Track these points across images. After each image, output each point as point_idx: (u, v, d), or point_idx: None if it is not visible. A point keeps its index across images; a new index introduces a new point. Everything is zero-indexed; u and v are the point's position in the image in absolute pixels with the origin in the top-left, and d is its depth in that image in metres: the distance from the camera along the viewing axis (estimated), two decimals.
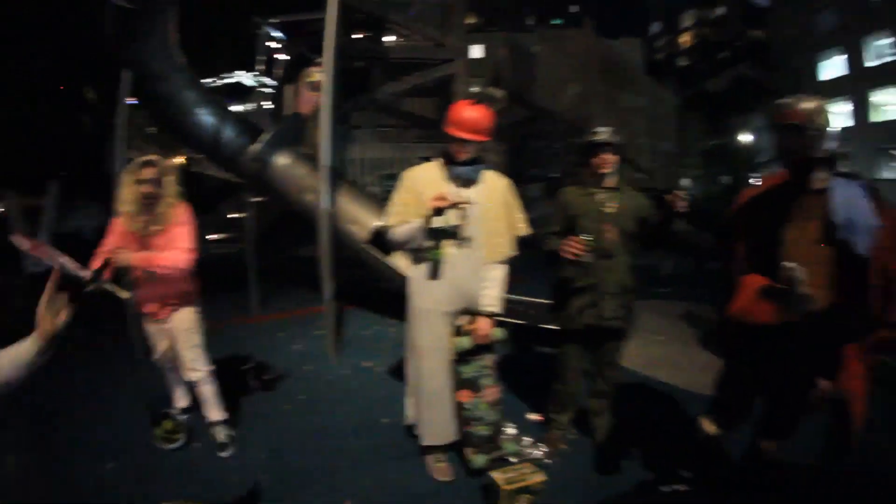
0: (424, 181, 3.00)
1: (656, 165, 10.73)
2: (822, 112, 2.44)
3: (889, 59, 24.33)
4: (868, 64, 25.32)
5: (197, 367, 3.56)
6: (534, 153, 13.53)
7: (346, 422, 4.00)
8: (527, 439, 3.48)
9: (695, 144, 27.10)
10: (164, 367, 3.69)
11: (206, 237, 16.62)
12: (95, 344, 5.88)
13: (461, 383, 3.11)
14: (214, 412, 3.65)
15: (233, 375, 4.41)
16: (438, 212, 2.81)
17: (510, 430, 3.56)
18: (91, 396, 4.58)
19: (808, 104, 2.45)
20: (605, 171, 3.15)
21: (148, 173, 3.24)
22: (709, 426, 2.89)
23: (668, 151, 10.84)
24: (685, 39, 56.67)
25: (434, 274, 2.97)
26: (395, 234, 2.99)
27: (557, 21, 58.18)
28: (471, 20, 51.62)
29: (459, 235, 2.95)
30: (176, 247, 3.29)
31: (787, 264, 2.34)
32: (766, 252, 2.55)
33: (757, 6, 46.87)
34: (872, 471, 3.46)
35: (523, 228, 3.20)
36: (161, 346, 3.58)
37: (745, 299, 2.58)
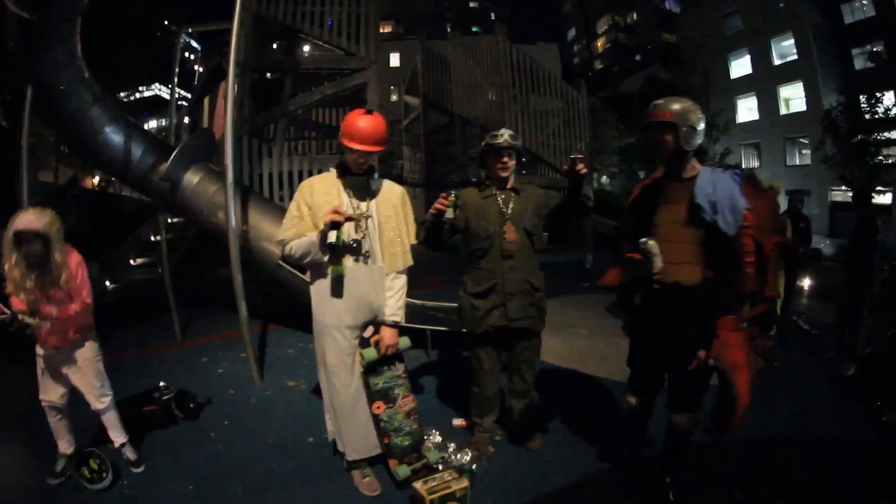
0: (320, 193, 2.92)
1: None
2: (693, 111, 2.70)
3: (791, 58, 26.46)
4: (775, 62, 27.42)
5: (105, 392, 3.39)
6: (451, 158, 13.63)
7: (272, 444, 3.85)
8: (451, 445, 3.42)
9: (612, 142, 28.08)
10: (53, 412, 3.36)
11: (129, 261, 15.96)
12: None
13: (374, 395, 3.05)
14: (120, 435, 3.49)
15: (156, 405, 4.20)
16: (334, 226, 2.72)
17: (435, 437, 3.50)
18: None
19: (679, 104, 2.70)
20: (505, 174, 3.20)
21: (30, 246, 2.91)
22: (630, 398, 3.07)
23: (582, 150, 11.09)
24: (601, 44, 58.77)
25: (335, 289, 2.89)
26: (291, 248, 2.88)
27: (476, 29, 59.05)
28: (389, 29, 51.82)
29: (358, 249, 2.89)
30: (76, 297, 3.08)
31: (644, 239, 2.71)
32: (642, 234, 2.82)
33: (668, 12, 49.40)
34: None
35: (413, 239, 3.18)
36: (55, 388, 3.30)
37: (609, 273, 3.01)
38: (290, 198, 7.62)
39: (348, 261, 2.88)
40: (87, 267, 3.22)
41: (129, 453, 3.52)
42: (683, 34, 33.50)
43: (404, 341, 3.12)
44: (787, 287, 6.19)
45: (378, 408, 3.05)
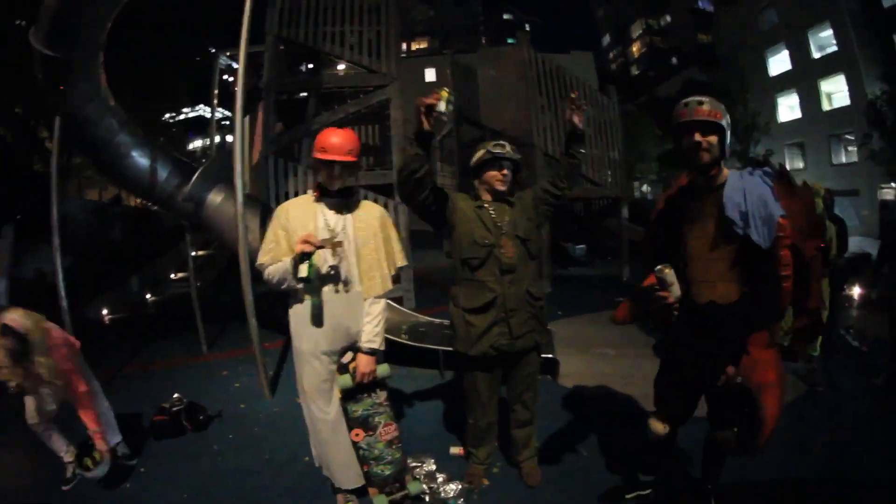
0: (296, 216, 2.81)
1: (607, 174, 10.76)
2: (726, 111, 2.46)
3: (831, 49, 25.01)
4: (814, 55, 26.04)
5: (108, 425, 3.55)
6: None
7: (270, 460, 3.83)
8: (441, 476, 3.27)
9: (651, 150, 27.55)
10: (40, 428, 3.40)
11: (170, 276, 16.41)
12: None
13: (352, 422, 2.92)
14: (116, 435, 3.67)
15: (165, 416, 4.31)
16: (304, 257, 2.59)
17: (428, 465, 3.36)
18: None
19: (716, 104, 2.44)
20: (503, 187, 3.03)
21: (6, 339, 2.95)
22: (657, 425, 2.79)
23: (615, 159, 10.87)
24: (636, 49, 58.12)
25: (311, 316, 2.77)
26: (268, 273, 2.77)
27: (511, 41, 59.19)
28: (424, 45, 52.26)
29: (335, 276, 2.77)
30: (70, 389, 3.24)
31: (659, 266, 2.46)
32: (671, 251, 2.61)
33: (702, 11, 48.53)
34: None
35: (401, 259, 3.03)
36: (44, 413, 3.35)
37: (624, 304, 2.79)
38: None
39: (325, 288, 2.77)
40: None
41: (124, 449, 3.74)
42: (719, 33, 32.82)
43: (383, 369, 2.97)
44: (831, 299, 5.60)
45: (357, 435, 2.93)
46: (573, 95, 2.92)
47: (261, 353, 5.08)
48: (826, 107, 25.91)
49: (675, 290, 2.48)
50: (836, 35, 24.47)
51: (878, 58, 23.03)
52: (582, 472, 3.42)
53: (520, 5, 64.13)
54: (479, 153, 3.05)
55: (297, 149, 8.95)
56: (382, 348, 2.93)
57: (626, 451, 3.57)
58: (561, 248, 12.73)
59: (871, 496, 3.25)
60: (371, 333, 2.85)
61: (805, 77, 26.15)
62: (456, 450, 3.68)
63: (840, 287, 6.19)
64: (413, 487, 3.07)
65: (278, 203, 7.61)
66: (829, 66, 25.11)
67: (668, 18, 53.82)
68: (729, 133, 2.46)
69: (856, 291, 9.09)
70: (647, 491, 3.04)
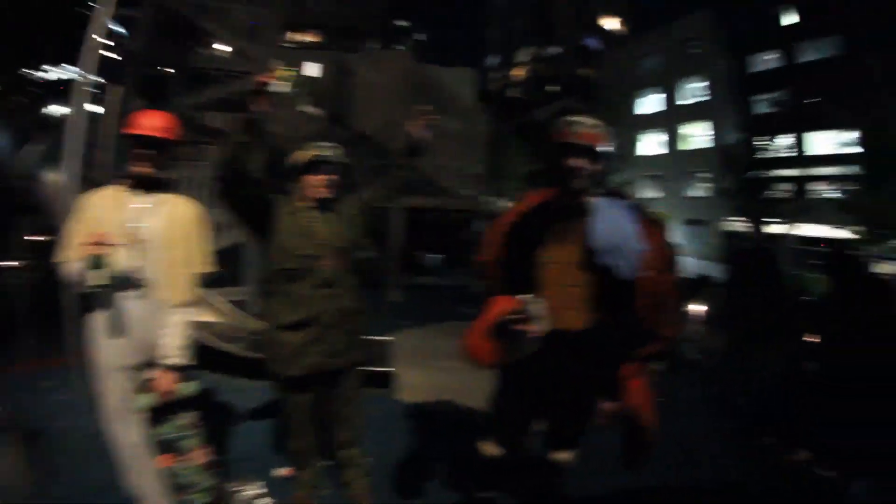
0: (98, 207, 2.46)
1: (465, 187, 10.97)
2: (607, 135, 2.41)
3: (699, 99, 29.36)
4: (684, 102, 30.30)
5: None
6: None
7: (85, 485, 3.32)
8: (265, 501, 3.06)
9: (519, 168, 28.75)
10: None
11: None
12: None
13: (159, 446, 2.58)
14: None
15: None
16: (97, 259, 2.27)
17: (251, 489, 3.10)
18: None
19: (597, 126, 2.38)
20: (327, 193, 2.74)
21: None
22: (490, 448, 2.66)
23: (476, 173, 11.12)
24: (519, 72, 60.50)
25: (111, 328, 2.42)
26: (65, 273, 2.41)
27: (402, 48, 59.47)
28: (313, 38, 51.10)
29: (133, 279, 2.42)
30: None
31: (523, 297, 2.32)
32: (522, 273, 2.46)
33: (588, 48, 51.88)
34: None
35: (206, 265, 2.68)
36: None
37: (475, 335, 2.51)
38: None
39: (124, 294, 2.42)
40: None
41: None
42: (601, 70, 35.83)
43: (189, 387, 2.62)
44: None
45: (167, 460, 2.59)
46: (421, 118, 2.74)
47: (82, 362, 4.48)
48: (686, 147, 30.01)
49: (542, 326, 2.31)
50: (707, 88, 29.04)
51: (738, 112, 27.43)
52: (415, 492, 3.31)
53: (415, 13, 64.42)
54: (303, 153, 2.74)
55: None
56: (185, 363, 2.57)
57: (462, 467, 3.44)
58: (413, 256, 12.78)
59: (715, 498, 3.52)
60: (172, 347, 2.50)
61: (671, 119, 30.17)
62: (282, 471, 3.37)
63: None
64: None
65: None
66: (694, 112, 29.43)
67: (555, 50, 56.72)
68: (607, 161, 2.43)
69: (695, 308, 10.04)
70: None
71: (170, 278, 2.49)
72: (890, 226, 14.18)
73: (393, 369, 5.02)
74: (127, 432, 2.53)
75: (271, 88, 2.35)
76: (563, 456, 2.65)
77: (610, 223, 2.33)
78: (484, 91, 43.83)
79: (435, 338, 7.35)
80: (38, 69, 17.59)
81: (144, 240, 2.42)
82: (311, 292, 2.64)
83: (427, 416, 4.52)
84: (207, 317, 5.64)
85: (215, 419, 3.95)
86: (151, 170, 2.46)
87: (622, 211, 2.39)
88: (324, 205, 2.74)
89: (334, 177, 2.73)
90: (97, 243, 2.25)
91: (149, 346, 2.48)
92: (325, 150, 2.72)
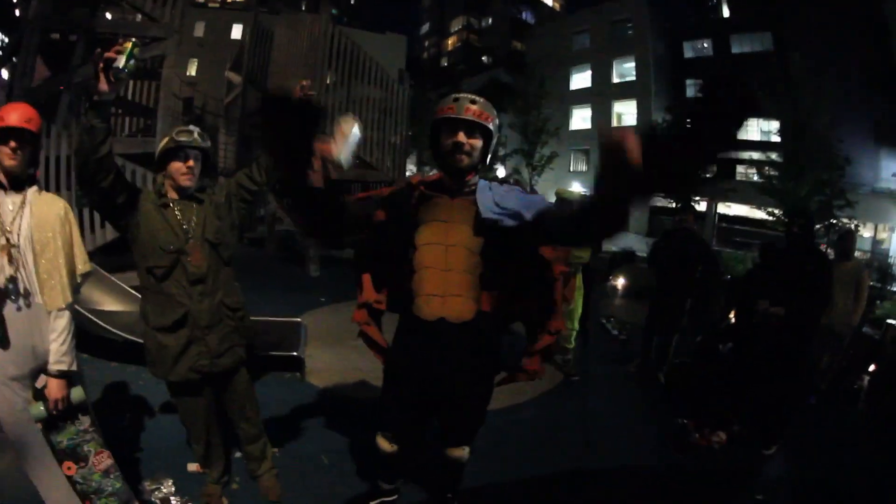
0: None
1: (386, 158, 10.65)
2: (496, 115, 2.27)
3: (630, 78, 30.11)
4: (614, 80, 30.95)
5: None
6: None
7: None
8: (176, 499, 2.90)
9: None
10: None
11: None
12: None
13: (60, 455, 2.43)
14: None
15: None
16: None
17: (168, 487, 2.95)
18: None
19: (488, 106, 2.23)
20: (189, 182, 2.52)
21: None
22: (384, 444, 2.60)
23: (397, 144, 10.81)
24: (451, 42, 60.23)
25: None
26: None
27: (335, 11, 57.96)
28: None
29: (12, 288, 2.20)
30: None
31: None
32: (395, 253, 2.38)
33: (522, 21, 52.32)
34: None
35: (83, 264, 2.48)
36: None
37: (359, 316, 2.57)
38: (68, 188, 6.69)
39: (2, 304, 2.21)
40: None
41: None
42: (532, 43, 36.21)
43: (77, 392, 2.45)
44: (586, 293, 6.23)
45: (69, 469, 2.43)
46: (304, 83, 2.37)
47: None
48: (615, 123, 30.48)
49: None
50: (637, 68, 29.66)
51: (670, 94, 28.36)
52: (325, 482, 3.21)
53: None
54: (163, 141, 2.53)
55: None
56: (73, 368, 2.40)
57: (370, 455, 3.21)
58: None
59: (621, 478, 3.57)
60: (59, 353, 2.32)
61: (602, 96, 30.65)
62: (194, 466, 3.21)
63: (595, 282, 6.67)
64: None
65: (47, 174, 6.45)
66: (625, 91, 30.14)
67: (490, 21, 56.68)
68: (495, 140, 2.29)
69: (620, 282, 10.13)
70: (393, 498, 2.90)
71: (46, 282, 2.29)
72: (806, 210, 15.09)
73: (301, 353, 4.79)
74: (28, 443, 2.36)
75: (114, 64, 2.02)
76: (458, 453, 2.58)
77: (494, 198, 2.22)
78: (414, 59, 43.47)
79: (348, 315, 7.13)
80: None
81: (17, 244, 2.20)
82: (182, 291, 2.49)
83: (336, 401, 4.40)
84: (112, 306, 5.29)
85: (128, 414, 3.81)
86: (20, 166, 2.22)
87: (506, 189, 2.29)
88: (189, 194, 2.55)
89: (195, 163, 2.51)
90: None
91: (35, 354, 2.30)
92: (185, 134, 2.50)
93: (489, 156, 2.30)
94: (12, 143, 2.16)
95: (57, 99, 7.55)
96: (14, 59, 7.44)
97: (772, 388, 4.09)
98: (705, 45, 28.88)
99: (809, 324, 4.08)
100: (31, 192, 2.30)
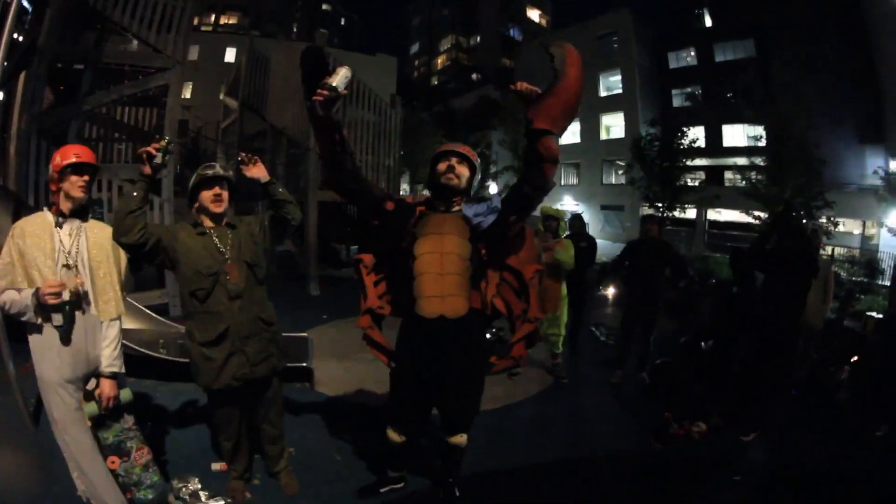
0: (31, 236, 2.56)
1: (381, 180, 10.73)
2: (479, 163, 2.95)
3: (616, 91, 30.23)
4: (601, 94, 30.95)
5: None
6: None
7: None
8: (203, 494, 3.17)
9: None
10: None
11: None
12: None
13: (106, 450, 2.77)
14: None
15: None
16: (57, 308, 2.45)
17: (193, 484, 3.22)
18: None
19: (473, 152, 2.90)
20: (220, 208, 2.90)
21: None
22: (393, 436, 3.07)
23: (390, 166, 10.92)
24: (441, 61, 60.89)
25: (52, 343, 2.56)
26: (4, 301, 2.48)
27: (323, 30, 58.28)
28: (234, 20, 48.89)
29: (78, 302, 2.59)
30: None
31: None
32: (399, 262, 2.90)
33: (510, 38, 52.93)
34: None
35: (126, 280, 2.90)
36: None
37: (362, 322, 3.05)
38: None
39: (69, 318, 2.57)
40: None
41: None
42: (521, 60, 36.50)
43: (125, 393, 2.83)
44: (578, 302, 6.46)
45: (113, 463, 2.77)
46: (241, 157, 3.01)
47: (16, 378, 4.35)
48: (604, 136, 30.97)
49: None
50: (623, 81, 29.74)
51: (656, 105, 28.82)
52: (338, 476, 3.54)
53: None
54: (192, 179, 2.94)
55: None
56: (122, 371, 2.79)
57: (380, 452, 3.54)
58: (332, 249, 12.74)
59: (605, 468, 3.89)
60: (110, 357, 2.71)
61: (590, 110, 30.55)
62: (218, 465, 3.56)
63: (586, 291, 6.99)
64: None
65: (37, 194, 6.63)
66: (612, 104, 30.24)
67: (478, 39, 57.45)
68: (477, 176, 2.92)
69: (609, 291, 10.49)
70: (401, 485, 3.30)
71: (100, 296, 2.69)
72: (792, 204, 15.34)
73: (312, 365, 5.11)
74: (80, 439, 2.66)
75: (154, 160, 2.59)
76: (458, 440, 3.03)
77: (476, 210, 2.84)
78: (405, 79, 43.88)
79: (352, 330, 7.26)
80: None
81: (77, 264, 2.60)
82: (223, 307, 2.84)
83: (344, 407, 4.73)
84: (129, 324, 5.52)
85: (149, 423, 4.01)
86: (85, 196, 2.63)
87: (482, 206, 2.86)
88: (221, 221, 2.95)
89: (221, 190, 2.90)
90: (50, 294, 2.40)
91: (87, 360, 2.66)
92: (209, 169, 2.91)
93: (473, 187, 2.94)
94: (86, 177, 2.60)
95: (66, 126, 7.74)
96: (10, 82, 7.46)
97: (754, 375, 4.47)
98: (690, 54, 29.30)
99: (798, 305, 4.45)
100: (85, 218, 2.71)
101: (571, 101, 2.49)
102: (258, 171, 2.98)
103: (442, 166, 2.82)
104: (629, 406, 5.04)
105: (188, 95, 28.21)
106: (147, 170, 2.60)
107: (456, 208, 2.86)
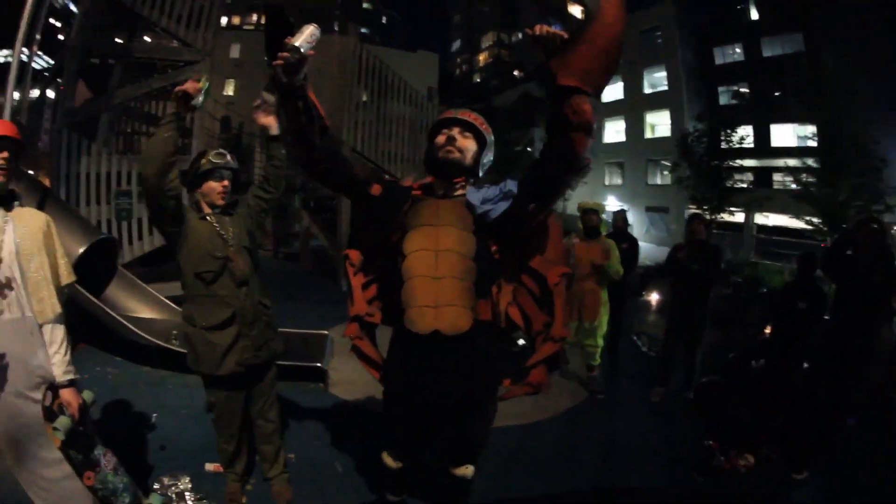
0: None
1: (414, 175, 10.57)
2: (491, 133, 2.33)
3: (662, 88, 29.21)
4: (646, 91, 30.12)
5: None
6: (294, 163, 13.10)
7: None
8: (191, 495, 3.03)
9: None
10: None
11: None
12: None
13: (80, 467, 2.44)
14: None
15: None
16: None
17: (184, 483, 3.08)
18: None
19: (485, 120, 2.31)
20: (221, 201, 2.78)
21: None
22: (388, 460, 2.58)
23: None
24: (483, 58, 60.51)
25: None
26: None
27: (365, 30, 58.88)
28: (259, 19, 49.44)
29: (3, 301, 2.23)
30: None
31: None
32: (378, 257, 2.42)
33: None
34: None
35: (68, 275, 2.49)
36: None
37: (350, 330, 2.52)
38: (108, 203, 6.99)
39: None
40: None
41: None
42: None
43: (87, 394, 2.56)
44: (617, 309, 5.99)
45: (89, 479, 2.45)
46: (255, 103, 2.79)
47: None
48: (649, 135, 29.98)
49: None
50: (669, 78, 28.70)
51: (702, 103, 27.44)
52: (337, 489, 3.29)
53: None
54: (200, 161, 2.78)
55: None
56: (77, 376, 2.45)
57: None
58: None
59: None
60: (63, 364, 2.36)
61: (634, 108, 30.03)
62: (212, 466, 3.38)
63: (626, 297, 6.48)
64: (154, 501, 2.75)
65: (68, 185, 6.72)
66: (657, 101, 29.28)
67: (520, 36, 56.81)
68: (489, 155, 2.32)
69: (653, 297, 9.82)
70: None
71: (34, 294, 2.30)
72: (843, 217, 14.50)
73: (325, 365, 4.91)
74: (47, 467, 2.33)
75: (192, 100, 2.42)
76: (462, 472, 2.51)
77: (483, 196, 2.20)
78: (447, 76, 43.74)
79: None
80: None
81: (3, 258, 2.21)
82: (230, 292, 2.74)
83: (356, 413, 4.46)
84: (147, 313, 5.53)
85: (154, 414, 4.06)
86: (6, 179, 2.26)
87: (496, 190, 2.22)
88: (225, 208, 2.82)
89: (228, 183, 2.80)
90: None
91: (27, 369, 2.29)
92: (220, 157, 2.77)
93: (482, 166, 2.32)
94: (3, 154, 2.20)
95: (97, 119, 7.84)
96: (58, 80, 7.82)
97: (809, 405, 3.97)
98: (736, 50, 28.00)
99: (876, 324, 4.02)
100: (13, 205, 2.31)
101: (609, 48, 1.80)
102: (270, 121, 2.88)
103: (441, 139, 2.24)
104: (670, 429, 4.56)
105: (231, 92, 28.73)
106: (179, 107, 2.42)
107: (458, 193, 2.25)
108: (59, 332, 2.37)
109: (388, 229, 2.28)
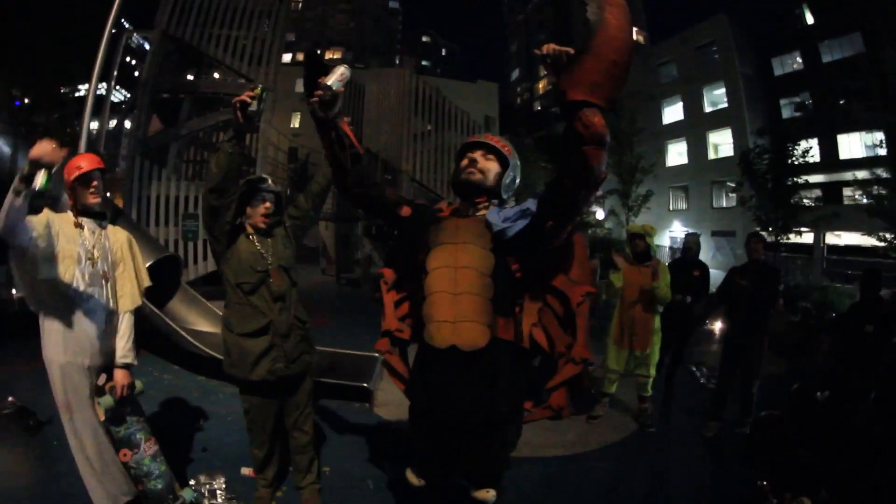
0: (62, 225, 2.74)
1: (451, 199, 10.66)
2: (517, 155, 2.41)
3: (722, 106, 27.95)
4: (706, 109, 28.91)
5: None
6: None
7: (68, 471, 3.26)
8: (223, 495, 3.22)
9: (538, 182, 28.05)
10: None
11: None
12: None
13: (118, 443, 2.88)
14: None
15: None
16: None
17: (215, 483, 3.29)
18: None
19: (509, 143, 2.39)
20: (263, 225, 2.96)
21: None
22: (412, 478, 2.55)
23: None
24: (541, 85, 60.60)
25: (71, 333, 2.73)
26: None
27: (425, 63, 60.04)
28: (338, 55, 51.63)
29: (92, 295, 2.77)
30: None
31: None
32: (410, 276, 2.50)
33: None
34: None
35: (146, 280, 3.09)
36: None
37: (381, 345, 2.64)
38: (176, 224, 7.47)
39: (84, 307, 2.75)
40: None
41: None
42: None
43: (139, 383, 3.01)
44: (678, 338, 5.86)
45: (125, 455, 2.90)
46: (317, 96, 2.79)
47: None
48: (712, 156, 28.70)
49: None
50: (728, 94, 27.44)
51: (765, 118, 25.87)
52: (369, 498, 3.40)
53: (439, 29, 65.07)
54: (241, 186, 2.93)
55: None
56: (135, 363, 2.92)
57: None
58: None
59: None
60: (124, 349, 2.87)
61: (695, 128, 28.90)
62: (247, 470, 3.55)
63: (693, 326, 6.27)
64: (186, 494, 3.06)
65: (139, 207, 7.27)
66: (718, 119, 27.99)
67: None
68: (512, 175, 2.37)
69: (717, 326, 9.42)
70: None
71: (120, 290, 2.90)
72: None
73: (372, 386, 5.03)
74: (90, 424, 2.77)
75: (249, 107, 2.54)
76: (482, 496, 2.39)
77: (502, 216, 2.23)
78: (507, 105, 43.94)
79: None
80: (68, 86, 17.98)
81: (98, 257, 2.79)
82: (266, 304, 2.91)
83: (397, 433, 4.46)
84: (205, 327, 5.96)
85: (201, 420, 4.38)
86: (98, 201, 2.83)
87: (516, 210, 2.25)
88: (266, 229, 3.00)
89: (271, 205, 2.96)
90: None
91: (102, 350, 2.80)
92: (263, 182, 2.98)
93: (507, 188, 2.38)
94: (94, 184, 2.78)
95: (167, 148, 8.39)
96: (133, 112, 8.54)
97: (878, 444, 3.65)
98: (796, 59, 26.50)
99: None
100: (105, 222, 2.92)
101: (615, 58, 1.77)
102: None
103: (464, 162, 2.36)
104: (721, 467, 4.32)
105: (297, 125, 30.20)
106: (241, 119, 2.56)
107: (481, 212, 2.32)
108: (127, 322, 2.91)
109: (416, 248, 2.37)
